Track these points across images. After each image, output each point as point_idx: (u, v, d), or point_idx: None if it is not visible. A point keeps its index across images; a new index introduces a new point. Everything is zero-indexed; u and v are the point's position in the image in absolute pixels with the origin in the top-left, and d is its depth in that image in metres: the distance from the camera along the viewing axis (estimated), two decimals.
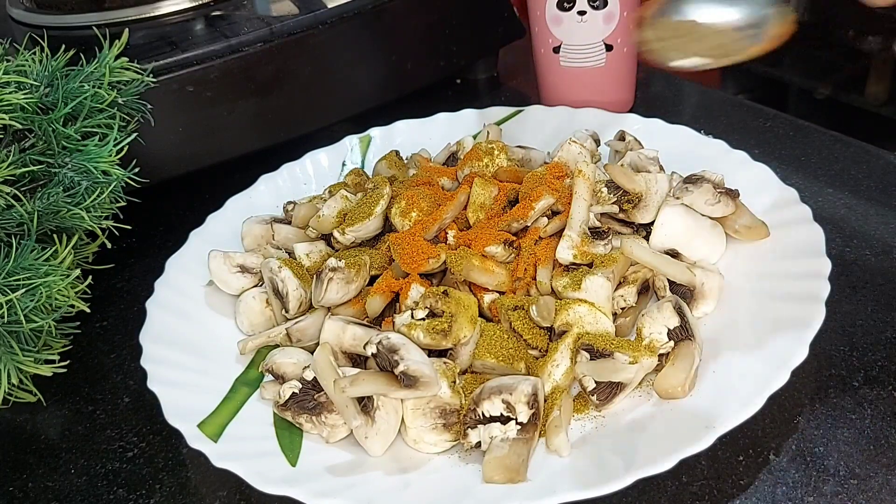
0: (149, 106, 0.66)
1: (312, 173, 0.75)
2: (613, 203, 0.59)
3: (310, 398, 0.51)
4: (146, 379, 0.53)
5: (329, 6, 0.74)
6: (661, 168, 0.63)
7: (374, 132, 0.78)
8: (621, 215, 0.60)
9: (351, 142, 0.77)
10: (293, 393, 0.51)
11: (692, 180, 0.59)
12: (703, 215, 0.58)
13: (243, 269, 0.62)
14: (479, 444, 0.48)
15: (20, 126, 0.57)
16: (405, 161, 0.72)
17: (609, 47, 0.75)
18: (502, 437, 0.47)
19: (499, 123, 0.76)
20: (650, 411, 0.49)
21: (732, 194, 0.58)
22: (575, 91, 0.79)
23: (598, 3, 0.73)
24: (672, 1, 0.52)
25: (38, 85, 0.60)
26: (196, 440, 0.49)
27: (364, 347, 0.51)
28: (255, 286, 0.62)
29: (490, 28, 0.87)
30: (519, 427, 0.47)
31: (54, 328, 0.58)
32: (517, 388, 0.48)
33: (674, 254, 0.58)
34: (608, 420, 0.49)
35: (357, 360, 0.54)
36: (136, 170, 0.61)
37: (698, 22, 0.50)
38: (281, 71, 0.73)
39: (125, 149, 0.60)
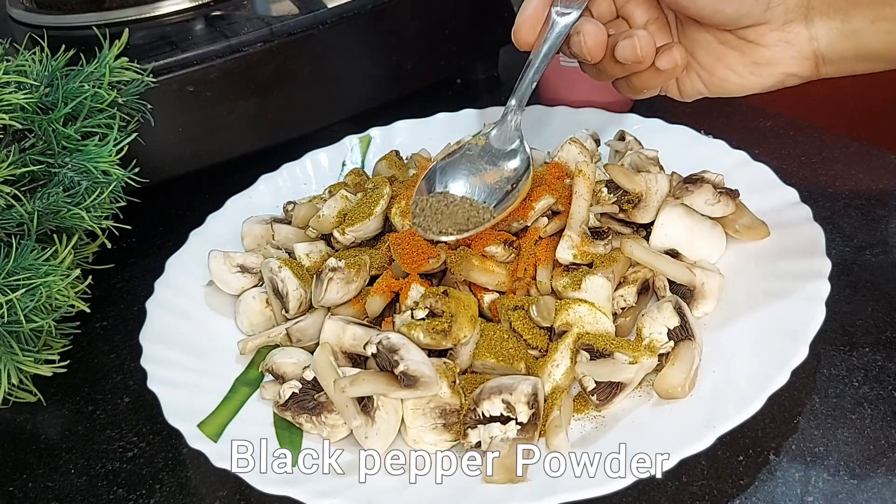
0: (149, 106, 0.66)
1: (312, 173, 0.75)
2: (613, 203, 0.59)
3: (310, 398, 0.51)
4: (146, 379, 0.53)
5: (329, 6, 0.74)
6: (661, 168, 0.63)
7: (374, 132, 0.78)
8: (621, 215, 0.60)
9: (351, 142, 0.77)
10: (293, 393, 0.51)
11: (692, 180, 0.59)
12: (703, 215, 0.58)
13: (243, 269, 0.62)
14: (479, 444, 0.48)
15: (20, 126, 0.57)
16: (405, 161, 0.72)
17: None
18: (502, 437, 0.47)
19: None
20: (650, 411, 0.49)
21: (732, 194, 0.58)
22: (575, 91, 0.78)
23: None
24: (425, 180, 0.57)
25: (38, 85, 0.60)
26: (196, 440, 0.49)
27: (364, 347, 0.51)
28: (255, 286, 0.62)
29: (490, 28, 0.87)
30: (519, 427, 0.47)
31: (54, 328, 0.58)
32: (517, 388, 0.48)
33: (674, 254, 0.58)
34: (608, 420, 0.49)
35: (357, 360, 0.54)
36: (136, 170, 0.61)
37: (449, 196, 0.56)
38: (281, 71, 0.73)
39: (125, 149, 0.60)
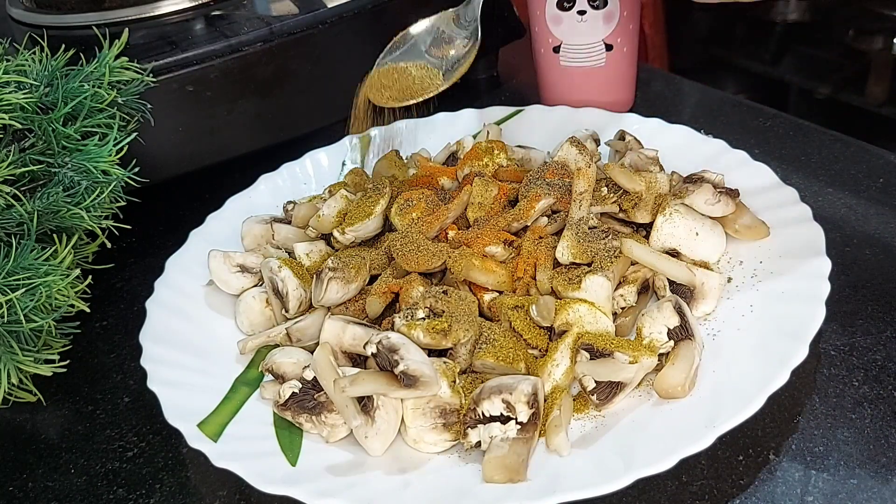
0: (149, 106, 0.66)
1: (312, 173, 0.75)
2: (613, 203, 0.59)
3: (310, 398, 0.51)
4: (146, 379, 0.53)
5: (329, 6, 0.74)
6: (661, 168, 0.63)
7: (374, 132, 0.78)
8: (621, 215, 0.60)
9: (351, 142, 0.77)
10: (293, 393, 0.51)
11: (692, 180, 0.59)
12: (703, 215, 0.58)
13: (243, 269, 0.62)
14: (479, 444, 0.48)
15: (20, 126, 0.57)
16: (405, 161, 0.72)
17: (609, 47, 0.75)
18: (502, 437, 0.47)
19: (499, 123, 0.76)
20: (650, 411, 0.49)
21: (732, 194, 0.58)
22: (575, 91, 0.78)
23: (597, 2, 0.73)
24: (383, 55, 0.60)
25: (38, 85, 0.60)
26: (196, 440, 0.49)
27: (364, 347, 0.51)
28: (255, 286, 0.62)
29: (490, 28, 0.87)
30: (519, 427, 0.47)
31: (54, 328, 0.58)
32: (517, 387, 0.48)
33: (674, 253, 0.58)
34: (608, 420, 0.49)
35: (357, 360, 0.54)
36: (136, 170, 0.61)
37: (396, 67, 0.59)
38: (281, 71, 0.73)
39: (125, 149, 0.60)
